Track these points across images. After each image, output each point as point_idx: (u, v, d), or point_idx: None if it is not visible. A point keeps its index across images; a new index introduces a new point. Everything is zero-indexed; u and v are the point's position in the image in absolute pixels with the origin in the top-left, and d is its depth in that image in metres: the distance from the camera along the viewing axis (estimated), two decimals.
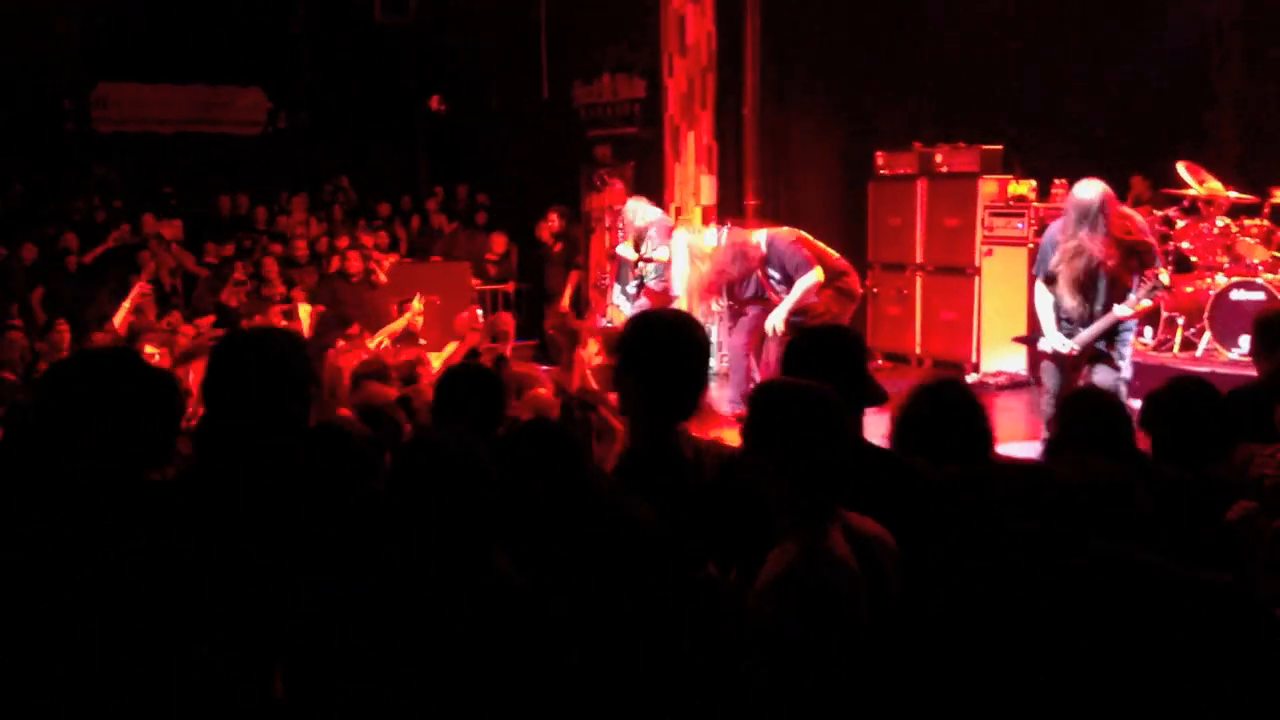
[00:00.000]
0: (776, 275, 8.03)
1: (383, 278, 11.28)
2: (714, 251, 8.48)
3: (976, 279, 10.01)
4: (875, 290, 10.82)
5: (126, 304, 9.69)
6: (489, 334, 8.79)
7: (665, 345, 3.15)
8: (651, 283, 9.57)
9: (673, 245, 9.44)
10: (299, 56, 15.62)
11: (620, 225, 10.20)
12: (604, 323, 9.75)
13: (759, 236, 8.20)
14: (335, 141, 15.30)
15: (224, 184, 14.10)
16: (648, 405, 3.12)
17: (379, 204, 14.65)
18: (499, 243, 13.63)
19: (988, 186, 10.01)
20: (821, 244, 8.16)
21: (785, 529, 2.64)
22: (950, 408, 3.40)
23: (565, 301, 12.49)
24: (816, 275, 7.76)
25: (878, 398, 3.29)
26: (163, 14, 14.27)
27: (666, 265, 9.50)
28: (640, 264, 9.63)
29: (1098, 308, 6.29)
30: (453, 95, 15.43)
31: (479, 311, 9.61)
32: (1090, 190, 6.23)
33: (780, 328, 7.80)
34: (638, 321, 3.36)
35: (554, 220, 12.85)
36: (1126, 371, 6.37)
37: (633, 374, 3.13)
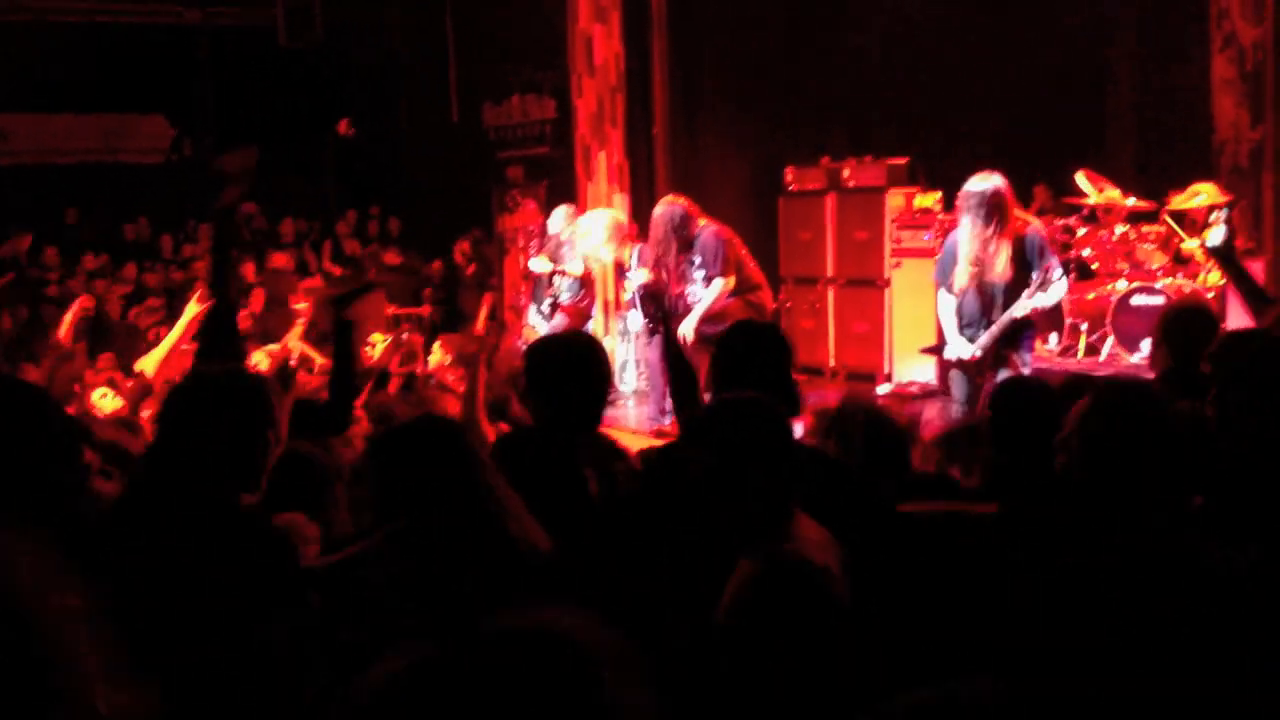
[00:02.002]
0: (697, 262, 7.96)
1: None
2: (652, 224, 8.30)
3: (886, 291, 10.15)
4: (788, 305, 10.93)
5: (69, 317, 9.27)
6: (400, 355, 8.71)
7: (564, 367, 3.41)
8: (566, 300, 9.56)
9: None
10: (202, 82, 15.44)
11: (539, 241, 10.20)
12: (520, 344, 9.73)
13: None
14: None
15: (128, 213, 13.88)
16: (552, 423, 3.34)
17: (288, 229, 14.52)
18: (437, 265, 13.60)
19: (894, 200, 10.16)
20: (746, 251, 8.18)
21: (748, 540, 2.65)
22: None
23: (479, 324, 12.44)
24: (726, 284, 7.78)
25: (796, 408, 3.36)
26: (60, 42, 14.04)
27: (580, 280, 9.50)
28: (556, 279, 9.61)
29: (999, 310, 6.40)
30: (362, 119, 15.36)
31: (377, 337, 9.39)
32: (983, 182, 6.34)
33: (690, 336, 7.75)
34: (536, 346, 3.64)
35: (466, 242, 12.83)
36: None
37: (536, 396, 3.39)
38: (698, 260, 7.89)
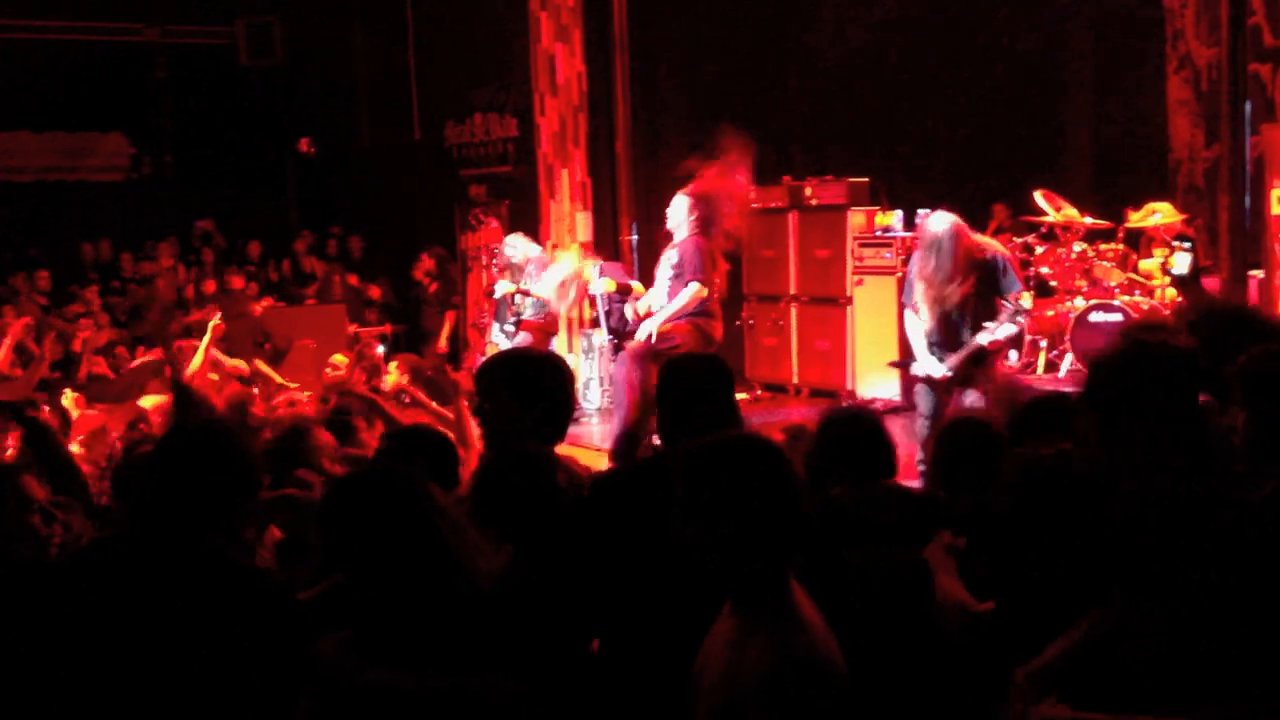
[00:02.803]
0: (675, 259, 7.91)
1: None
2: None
3: (849, 308, 10.22)
4: (751, 322, 10.99)
5: (8, 340, 9.17)
6: (364, 370, 8.67)
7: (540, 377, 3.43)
8: (529, 316, 9.55)
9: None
10: (162, 101, 15.36)
11: (497, 262, 10.18)
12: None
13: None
14: (202, 186, 15.05)
15: (87, 232, 13.79)
16: (513, 434, 3.33)
17: (248, 248, 14.46)
18: (375, 291, 13.57)
19: (856, 218, 10.24)
20: (719, 278, 8.13)
21: (740, 603, 2.41)
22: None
23: (443, 342, 12.44)
24: (700, 290, 7.74)
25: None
26: (19, 60, 13.93)
27: (544, 300, 9.50)
28: (518, 298, 9.60)
29: (964, 334, 6.50)
30: (323, 137, 15.31)
31: (338, 357, 9.32)
32: (939, 223, 6.46)
33: (655, 335, 7.73)
34: (500, 360, 3.64)
35: (428, 260, 12.81)
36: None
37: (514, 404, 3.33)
38: (675, 259, 7.81)
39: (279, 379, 9.68)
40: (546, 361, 3.73)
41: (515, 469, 3.11)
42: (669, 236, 7.99)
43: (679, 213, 7.79)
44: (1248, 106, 7.34)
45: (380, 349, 9.33)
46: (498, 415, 3.51)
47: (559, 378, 3.61)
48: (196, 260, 13.98)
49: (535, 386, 3.51)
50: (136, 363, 10.12)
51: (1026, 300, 6.61)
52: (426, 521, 2.50)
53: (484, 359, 8.81)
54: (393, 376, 8.25)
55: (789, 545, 2.38)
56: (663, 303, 7.75)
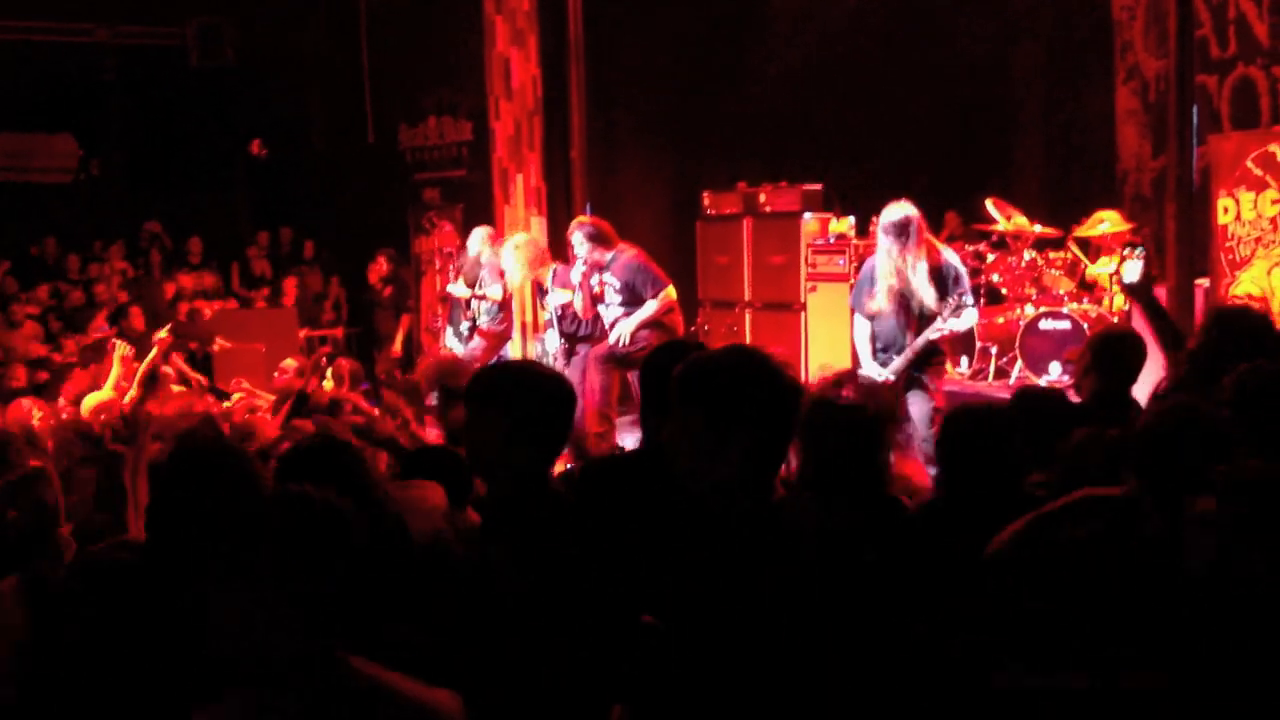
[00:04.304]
0: (617, 284, 7.98)
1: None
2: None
3: (802, 314, 10.28)
4: (706, 328, 11.03)
5: None
6: (319, 376, 8.61)
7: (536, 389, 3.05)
8: (484, 324, 9.54)
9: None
10: (111, 102, 15.18)
11: (454, 264, 10.14)
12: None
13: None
14: (152, 188, 14.90)
15: (35, 233, 13.61)
16: (523, 449, 2.99)
17: (198, 250, 14.33)
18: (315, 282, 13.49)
19: (810, 225, 10.30)
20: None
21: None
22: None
23: (397, 346, 12.38)
24: (668, 293, 7.84)
25: None
26: None
27: (499, 304, 9.49)
28: (474, 303, 9.58)
29: (907, 337, 6.61)
30: (274, 140, 15.20)
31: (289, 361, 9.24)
32: (899, 211, 6.56)
33: (627, 339, 7.83)
34: (502, 370, 3.30)
35: (382, 264, 12.75)
36: (939, 399, 6.69)
37: (509, 419, 2.96)
38: (617, 284, 7.94)
39: (200, 379, 9.58)
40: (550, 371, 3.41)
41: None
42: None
43: (583, 246, 8.00)
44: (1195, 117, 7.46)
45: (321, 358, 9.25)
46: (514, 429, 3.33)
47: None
48: (145, 263, 13.84)
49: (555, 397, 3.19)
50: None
51: (969, 299, 6.71)
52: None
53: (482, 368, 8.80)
54: (329, 383, 8.22)
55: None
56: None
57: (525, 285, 9.28)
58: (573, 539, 2.84)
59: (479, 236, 9.74)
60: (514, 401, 2.91)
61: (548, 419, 2.96)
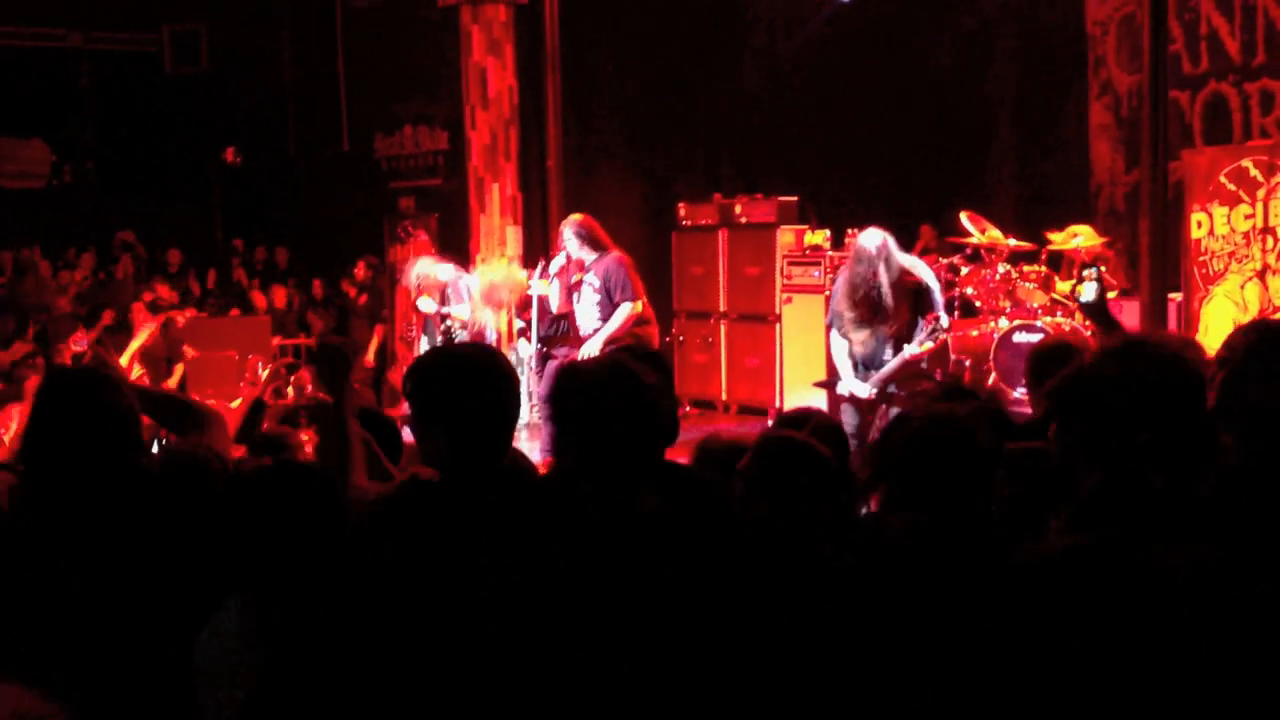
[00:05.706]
0: (596, 283, 7.94)
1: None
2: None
3: (778, 325, 10.29)
4: (681, 339, 11.02)
5: None
6: (281, 384, 8.54)
7: (477, 386, 2.78)
8: (459, 338, 9.47)
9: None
10: (85, 108, 15.09)
11: (417, 284, 9.83)
12: None
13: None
14: (125, 195, 14.81)
15: (7, 239, 13.50)
16: (464, 453, 2.77)
17: (171, 258, 14.25)
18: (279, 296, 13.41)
19: (785, 236, 10.32)
20: (643, 285, 8.18)
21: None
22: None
23: (370, 355, 12.32)
24: (636, 308, 7.78)
25: (673, 437, 3.28)
26: None
27: (465, 324, 9.39)
28: (447, 322, 9.48)
29: (887, 353, 6.67)
30: (249, 147, 15.14)
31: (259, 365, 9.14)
32: (871, 239, 6.63)
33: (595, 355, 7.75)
34: (432, 361, 2.94)
35: (361, 269, 12.69)
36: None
37: (439, 422, 2.75)
38: (596, 283, 7.87)
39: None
40: (495, 357, 2.97)
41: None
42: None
43: (571, 243, 7.93)
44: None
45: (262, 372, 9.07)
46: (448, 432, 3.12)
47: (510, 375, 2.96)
48: (109, 273, 13.76)
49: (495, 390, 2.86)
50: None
51: (944, 319, 6.79)
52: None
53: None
54: (291, 391, 8.17)
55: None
56: (594, 324, 7.80)
57: (486, 322, 9.21)
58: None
59: (435, 268, 9.46)
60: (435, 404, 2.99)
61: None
